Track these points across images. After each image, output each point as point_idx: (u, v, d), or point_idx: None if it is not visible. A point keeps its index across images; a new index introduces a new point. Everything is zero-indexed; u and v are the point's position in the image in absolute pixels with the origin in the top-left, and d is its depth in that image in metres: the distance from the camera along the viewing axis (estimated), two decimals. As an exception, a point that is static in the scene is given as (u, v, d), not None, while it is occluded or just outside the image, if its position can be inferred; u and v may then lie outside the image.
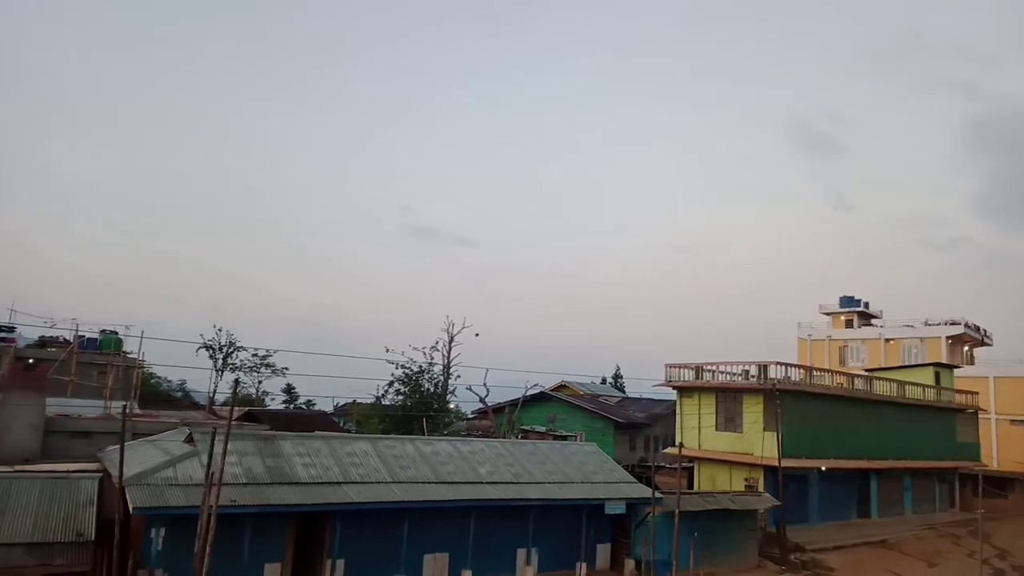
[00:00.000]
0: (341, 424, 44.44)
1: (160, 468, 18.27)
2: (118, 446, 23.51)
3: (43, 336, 43.47)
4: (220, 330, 64.73)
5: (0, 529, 15.90)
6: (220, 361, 64.54)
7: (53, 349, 35.93)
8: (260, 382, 64.99)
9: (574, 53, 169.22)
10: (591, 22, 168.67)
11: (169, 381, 61.82)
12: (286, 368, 63.41)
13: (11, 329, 45.79)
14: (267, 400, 64.74)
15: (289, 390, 68.45)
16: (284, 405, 67.65)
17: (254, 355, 63.96)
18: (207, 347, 63.54)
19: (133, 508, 16.26)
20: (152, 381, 55.81)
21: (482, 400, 39.18)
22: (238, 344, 64.72)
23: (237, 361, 64.55)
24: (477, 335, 44.32)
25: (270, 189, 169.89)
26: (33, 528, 16.29)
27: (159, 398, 52.48)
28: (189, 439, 20.33)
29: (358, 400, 54.67)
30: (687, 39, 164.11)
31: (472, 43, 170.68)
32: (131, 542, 17.80)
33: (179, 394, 62.57)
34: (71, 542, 16.26)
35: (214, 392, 63.56)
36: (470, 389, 39.32)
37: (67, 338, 39.65)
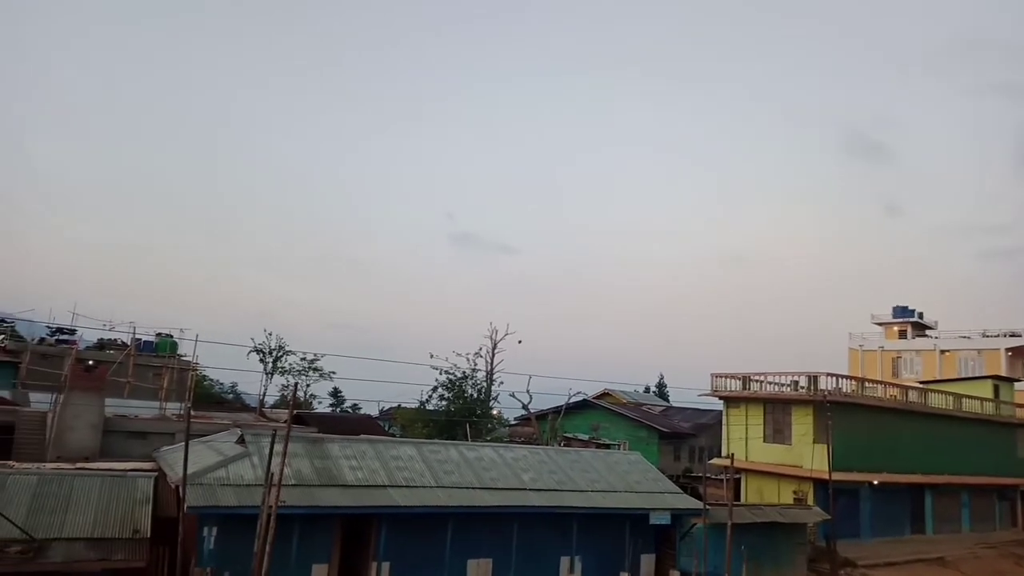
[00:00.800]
0: (386, 428, 44.95)
1: (213, 468, 18.75)
2: (172, 446, 24.31)
3: (101, 339, 45.17)
4: (270, 334, 66.39)
5: (64, 524, 16.51)
6: (270, 364, 66.11)
7: (111, 351, 37.21)
8: (308, 385, 66.28)
9: (625, 59, 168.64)
10: (641, 27, 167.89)
11: (221, 383, 63.39)
12: (333, 372, 64.60)
13: (72, 332, 47.69)
14: (314, 403, 65.99)
15: (335, 393, 69.53)
16: (331, 408, 68.78)
17: (302, 359, 65.41)
18: (257, 351, 65.06)
19: (188, 507, 16.72)
20: (204, 383, 57.37)
21: (525, 407, 39.21)
22: (287, 348, 66.18)
23: (286, 364, 66.04)
24: (520, 342, 44.50)
25: (316, 198, 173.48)
26: (93, 524, 16.88)
27: (211, 400, 53.92)
28: (241, 440, 20.82)
29: (403, 404, 55.35)
30: (738, 42, 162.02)
31: (521, 50, 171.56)
32: (184, 540, 18.38)
33: (230, 396, 64.22)
34: (128, 538, 16.79)
35: (264, 394, 64.98)
36: (513, 396, 39.40)
37: (125, 341, 41.13)
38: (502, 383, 41.57)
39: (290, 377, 66.07)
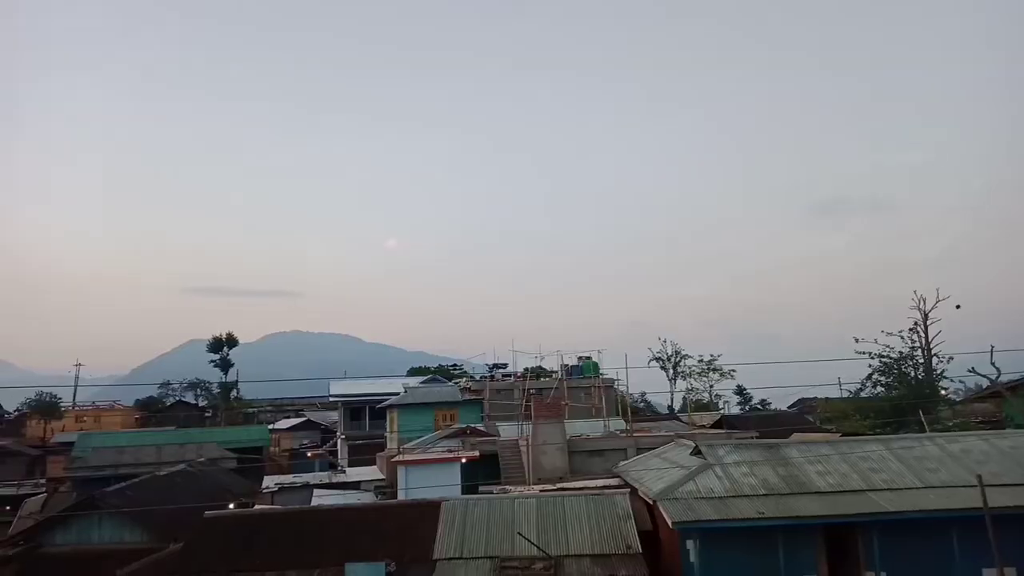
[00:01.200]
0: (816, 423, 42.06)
1: (682, 482, 19.15)
2: (627, 461, 25.83)
3: (526, 367, 50.93)
4: (665, 342, 68.11)
5: (568, 541, 18.40)
6: (671, 371, 67.77)
7: (546, 379, 41.65)
8: (711, 386, 66.16)
9: None
10: None
11: (631, 394, 66.83)
12: (733, 370, 63.39)
13: (504, 365, 54.90)
14: (720, 404, 65.53)
15: (740, 391, 68.11)
16: (739, 408, 67.51)
17: (699, 361, 65.63)
18: (657, 359, 67.24)
19: (673, 523, 17.23)
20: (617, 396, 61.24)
21: (993, 381, 32.88)
22: (683, 352, 67.06)
23: (686, 368, 67.00)
24: (958, 307, 37.91)
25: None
26: (591, 541, 18.49)
27: (625, 411, 57.27)
28: (696, 452, 21.05)
29: (820, 397, 51.41)
30: None
31: None
32: (666, 554, 19.10)
33: (642, 405, 67.32)
34: (623, 554, 17.98)
35: (672, 400, 66.59)
36: (973, 371, 33.38)
37: (551, 368, 45.90)
38: (951, 359, 35.76)
39: (691, 380, 66.70)
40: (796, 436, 26.42)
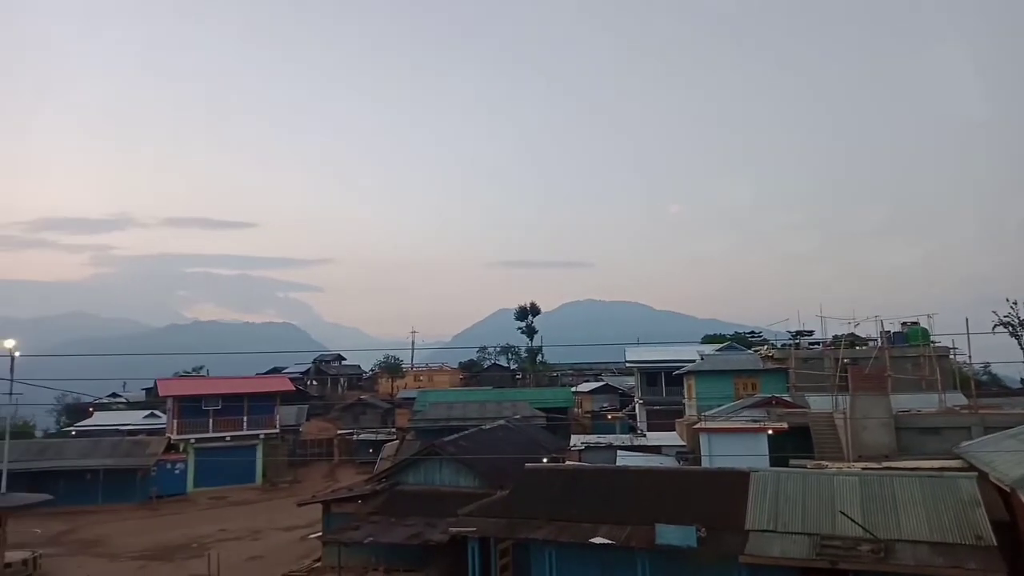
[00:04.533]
0: None
1: (1051, 470, 16.14)
2: (972, 442, 22.42)
3: (835, 335, 46.59)
4: (1015, 304, 57.31)
5: (899, 525, 16.66)
6: (1023, 337, 56.86)
7: (861, 348, 37.82)
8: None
9: None
10: None
11: (971, 364, 57.60)
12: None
13: (810, 332, 50.94)
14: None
15: None
16: None
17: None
18: (1006, 324, 56.93)
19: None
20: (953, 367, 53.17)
21: None
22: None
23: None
24: None
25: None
26: (928, 527, 16.51)
27: (964, 385, 49.37)
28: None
29: None
30: None
31: None
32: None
33: (985, 378, 57.65)
34: (972, 545, 15.75)
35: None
36: None
37: (867, 335, 41.45)
38: None
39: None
40: None
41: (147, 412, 67.48)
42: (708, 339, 76.08)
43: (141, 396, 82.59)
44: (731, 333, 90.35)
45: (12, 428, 34.89)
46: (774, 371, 38.78)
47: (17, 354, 27.90)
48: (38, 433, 69.84)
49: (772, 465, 22.64)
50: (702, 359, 45.56)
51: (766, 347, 48.29)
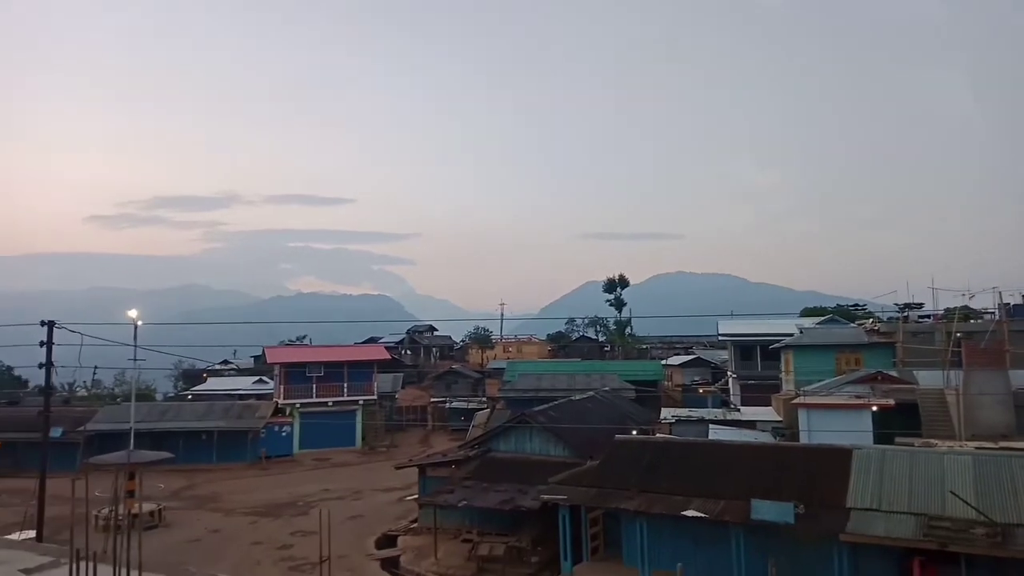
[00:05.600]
0: None
1: None
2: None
3: (947, 308, 43.73)
4: None
5: (1019, 509, 15.66)
6: None
7: (976, 321, 35.38)
8: None
9: None
10: None
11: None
12: None
13: (920, 305, 48.06)
14: None
15: None
16: None
17: None
18: None
19: None
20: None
21: None
22: None
23: None
24: None
25: None
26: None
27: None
28: None
29: None
30: None
31: None
32: None
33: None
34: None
35: None
36: None
37: (983, 308, 38.70)
38: None
39: None
40: None
41: (256, 378, 71.62)
42: (808, 312, 73.11)
43: (250, 363, 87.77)
44: (833, 306, 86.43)
45: (136, 391, 37.84)
46: (880, 345, 36.87)
47: (140, 323, 30.13)
48: (158, 396, 75.68)
49: (877, 443, 21.73)
50: (801, 333, 43.90)
51: (871, 320, 45.94)
